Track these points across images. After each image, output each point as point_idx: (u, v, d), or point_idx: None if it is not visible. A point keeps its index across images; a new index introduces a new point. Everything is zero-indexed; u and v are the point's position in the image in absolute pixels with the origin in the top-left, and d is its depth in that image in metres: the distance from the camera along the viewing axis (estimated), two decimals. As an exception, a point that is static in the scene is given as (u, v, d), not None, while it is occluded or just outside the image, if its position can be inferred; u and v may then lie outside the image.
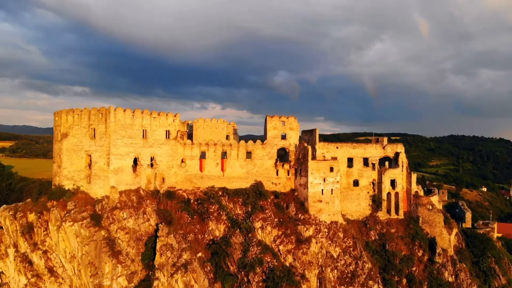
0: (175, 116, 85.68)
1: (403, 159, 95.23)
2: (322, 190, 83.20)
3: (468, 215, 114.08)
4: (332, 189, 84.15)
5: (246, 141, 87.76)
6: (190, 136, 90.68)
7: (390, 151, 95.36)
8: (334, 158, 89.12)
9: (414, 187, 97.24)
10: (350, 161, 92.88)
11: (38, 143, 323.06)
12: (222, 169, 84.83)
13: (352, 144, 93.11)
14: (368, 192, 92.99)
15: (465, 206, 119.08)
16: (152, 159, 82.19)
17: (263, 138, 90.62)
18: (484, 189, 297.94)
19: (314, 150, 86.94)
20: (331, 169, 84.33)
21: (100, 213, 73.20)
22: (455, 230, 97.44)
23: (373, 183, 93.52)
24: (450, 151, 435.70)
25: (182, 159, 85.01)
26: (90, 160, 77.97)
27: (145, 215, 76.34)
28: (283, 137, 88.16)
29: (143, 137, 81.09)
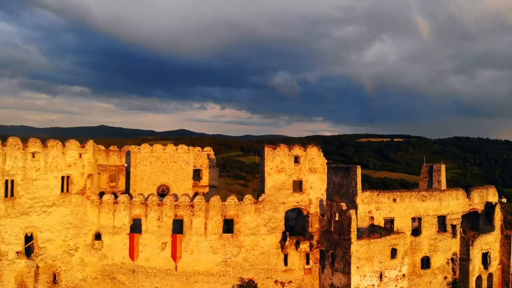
0: (83, 146, 43.18)
1: (498, 214, 54.64)
2: (377, 296, 41.76)
3: None
4: (394, 292, 42.88)
5: (224, 200, 45.06)
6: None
7: (477, 201, 54.39)
8: (390, 220, 48.02)
9: (516, 260, 56.64)
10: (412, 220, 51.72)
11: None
12: (174, 256, 42.45)
13: (419, 192, 51.00)
14: (445, 278, 51.91)
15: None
16: (29, 239, 40.05)
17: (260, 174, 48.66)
18: (504, 200, 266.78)
19: (354, 206, 45.27)
20: (393, 253, 42.97)
21: None
22: None
23: (452, 260, 52.63)
24: (455, 154, 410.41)
25: (96, 233, 42.73)
26: None
27: None
28: (298, 186, 45.60)
29: (6, 195, 38.78)
